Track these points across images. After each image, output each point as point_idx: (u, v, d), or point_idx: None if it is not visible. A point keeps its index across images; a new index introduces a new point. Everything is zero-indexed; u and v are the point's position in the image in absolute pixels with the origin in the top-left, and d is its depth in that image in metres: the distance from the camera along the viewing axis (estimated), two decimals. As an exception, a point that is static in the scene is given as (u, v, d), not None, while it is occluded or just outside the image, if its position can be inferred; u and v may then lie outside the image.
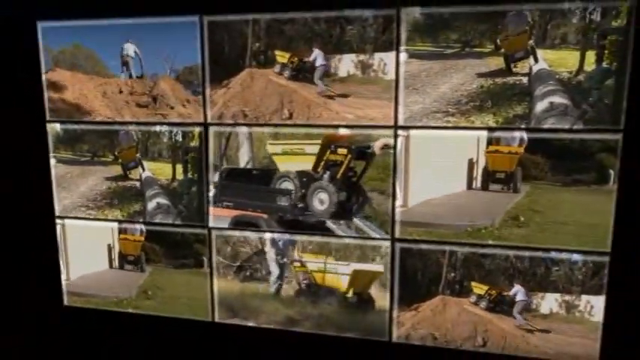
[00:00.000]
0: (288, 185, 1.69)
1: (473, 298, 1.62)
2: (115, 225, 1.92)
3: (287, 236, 1.75)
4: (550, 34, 1.44)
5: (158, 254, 1.89)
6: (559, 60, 1.45)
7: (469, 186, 1.56)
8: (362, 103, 1.60)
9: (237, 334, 1.85)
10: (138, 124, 1.81)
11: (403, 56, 1.54)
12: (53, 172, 1.94)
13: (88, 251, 1.99)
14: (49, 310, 2.06)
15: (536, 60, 1.45)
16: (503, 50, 1.47)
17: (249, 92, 1.67)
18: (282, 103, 1.65)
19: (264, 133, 1.69)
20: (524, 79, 1.47)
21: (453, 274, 1.62)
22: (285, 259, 1.76)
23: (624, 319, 1.51)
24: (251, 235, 1.78)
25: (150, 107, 1.78)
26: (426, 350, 1.68)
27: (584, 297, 1.54)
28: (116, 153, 1.86)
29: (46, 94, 1.87)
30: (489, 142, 1.53)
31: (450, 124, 1.54)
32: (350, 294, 1.73)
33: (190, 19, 1.68)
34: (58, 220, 1.98)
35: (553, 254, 1.53)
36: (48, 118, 1.90)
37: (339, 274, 1.73)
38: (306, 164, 1.68)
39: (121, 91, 1.80)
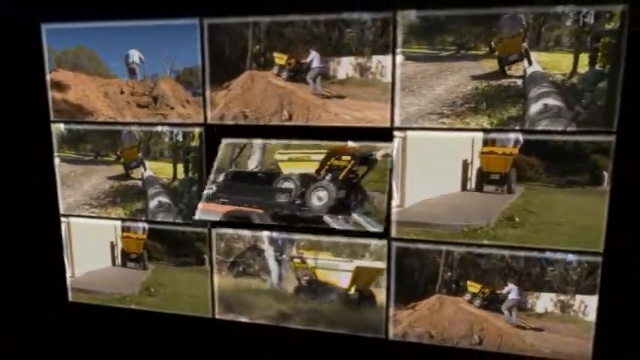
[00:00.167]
0: (289, 185, 1.70)
1: (467, 297, 1.63)
2: (118, 223, 1.94)
3: (284, 233, 1.76)
4: (544, 37, 1.45)
5: (160, 252, 1.91)
6: (553, 62, 1.46)
7: (463, 187, 1.58)
8: (360, 105, 1.61)
9: (236, 330, 1.87)
10: (140, 124, 1.82)
11: (399, 58, 1.55)
12: (57, 171, 1.96)
13: (92, 249, 2.01)
14: (53, 306, 2.09)
15: (530, 62, 1.46)
16: (497, 53, 1.48)
17: (249, 94, 1.70)
18: (282, 104, 1.67)
19: (277, 144, 1.71)
20: (519, 82, 1.48)
21: (449, 274, 1.64)
22: (283, 256, 1.77)
23: (617, 319, 1.52)
24: (245, 231, 1.80)
25: (150, 107, 1.80)
26: (423, 348, 1.70)
27: (579, 297, 1.55)
28: (118, 153, 1.88)
29: (50, 95, 1.89)
30: (485, 143, 1.53)
31: (445, 126, 1.55)
32: (352, 291, 1.74)
33: (190, 22, 1.70)
34: (62, 219, 2.00)
35: (547, 254, 1.55)
36: (52, 118, 1.92)
37: (340, 271, 1.74)
38: (310, 169, 1.70)
39: (122, 92, 1.82)
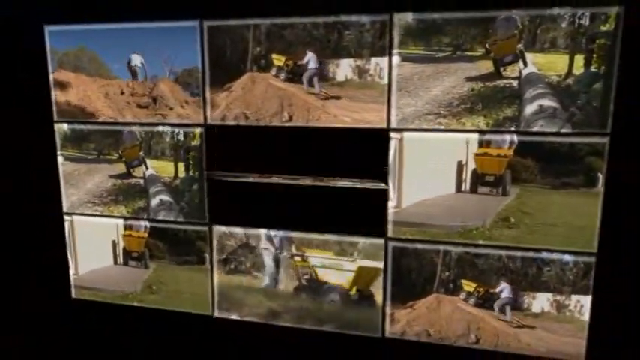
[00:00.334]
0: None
1: (463, 295, 1.64)
2: (120, 221, 1.96)
3: (284, 231, 1.78)
4: (539, 39, 1.45)
5: (162, 250, 1.93)
6: (548, 64, 1.46)
7: (458, 189, 1.59)
8: (360, 107, 1.62)
9: (236, 327, 1.89)
10: (142, 124, 1.84)
11: (396, 59, 1.56)
12: (61, 169, 1.99)
13: (95, 247, 2.04)
14: (57, 303, 2.11)
15: (525, 64, 1.47)
16: (492, 54, 1.49)
17: (250, 95, 1.71)
18: (282, 105, 1.69)
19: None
20: (514, 83, 1.49)
21: (446, 273, 1.65)
22: (282, 253, 1.79)
23: (610, 319, 1.53)
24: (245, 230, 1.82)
25: (150, 108, 1.82)
26: (419, 346, 1.72)
27: (573, 296, 1.56)
28: (120, 152, 1.90)
29: (53, 95, 1.92)
30: (479, 144, 1.54)
31: (441, 127, 1.56)
32: (353, 291, 1.75)
33: (190, 24, 1.72)
34: (66, 217, 2.02)
35: (542, 254, 1.56)
36: (55, 118, 1.95)
37: (343, 270, 1.75)
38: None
39: (122, 93, 1.84)
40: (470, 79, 1.52)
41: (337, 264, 1.76)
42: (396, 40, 1.55)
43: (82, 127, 1.92)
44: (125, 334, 2.06)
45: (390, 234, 1.67)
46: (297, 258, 1.79)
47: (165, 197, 1.88)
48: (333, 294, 1.77)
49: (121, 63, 1.82)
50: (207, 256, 1.89)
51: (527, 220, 1.54)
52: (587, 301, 1.54)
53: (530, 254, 1.57)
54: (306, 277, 1.79)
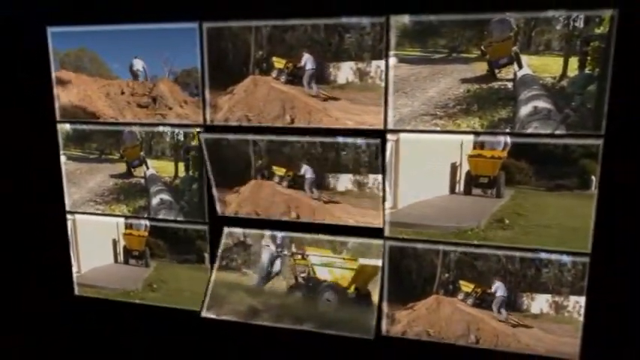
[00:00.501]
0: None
1: (461, 296, 1.66)
2: (121, 220, 1.98)
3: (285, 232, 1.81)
4: (534, 41, 1.46)
5: (162, 249, 1.95)
6: (543, 66, 1.47)
7: (452, 190, 1.60)
8: (360, 110, 1.64)
9: (234, 327, 1.90)
10: (142, 124, 1.86)
11: (393, 61, 1.57)
12: (63, 168, 2.01)
13: (96, 245, 2.06)
14: (60, 300, 2.14)
15: (520, 66, 1.47)
16: (487, 56, 1.50)
17: (252, 98, 1.73)
18: (284, 108, 1.71)
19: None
20: (509, 84, 1.50)
21: (443, 273, 1.66)
22: (281, 251, 1.81)
23: (604, 318, 1.54)
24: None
25: (150, 107, 1.85)
26: (415, 344, 1.73)
27: (569, 296, 1.57)
28: (121, 151, 1.91)
29: (55, 95, 1.94)
30: (474, 146, 1.56)
31: (437, 128, 1.57)
32: (351, 289, 1.77)
33: (190, 26, 1.74)
34: (69, 216, 2.04)
35: (538, 255, 1.57)
36: (58, 118, 1.97)
37: (342, 268, 1.77)
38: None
39: (122, 92, 1.86)
40: (465, 80, 1.53)
41: (336, 262, 1.76)
42: (393, 42, 1.56)
43: (84, 127, 1.93)
44: (126, 331, 2.08)
45: (386, 234, 1.67)
46: (298, 256, 1.79)
47: (166, 196, 1.89)
48: (329, 293, 1.78)
49: (121, 63, 1.85)
50: (206, 255, 1.90)
51: (522, 221, 1.55)
52: (581, 301, 1.55)
53: (525, 255, 1.58)
54: (303, 275, 1.80)
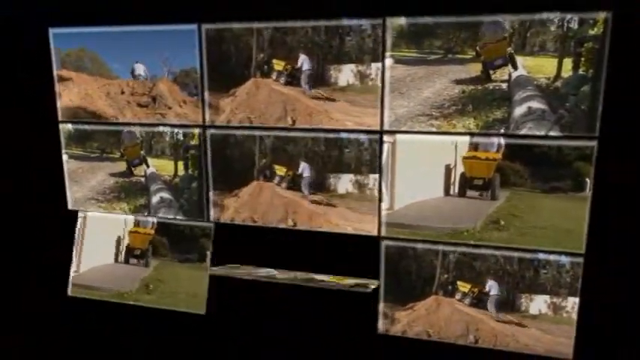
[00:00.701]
0: None
1: (458, 296, 1.66)
2: (130, 217, 2.01)
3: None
4: (529, 42, 1.47)
5: (165, 248, 1.97)
6: (537, 67, 1.48)
7: (446, 192, 1.61)
8: (360, 112, 1.65)
9: (231, 326, 1.92)
10: (142, 125, 1.89)
11: (389, 62, 1.58)
12: (65, 167, 2.03)
13: (101, 243, 2.09)
14: (53, 300, 2.16)
15: (515, 67, 1.48)
16: (482, 57, 1.51)
17: (254, 100, 1.75)
18: (286, 110, 1.72)
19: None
20: (504, 85, 1.51)
21: (440, 273, 1.68)
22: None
23: (598, 318, 1.56)
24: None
25: (149, 107, 1.87)
26: (410, 342, 1.75)
27: (564, 296, 1.58)
28: (122, 150, 1.93)
29: (57, 95, 1.97)
30: (469, 147, 1.57)
31: (433, 128, 1.58)
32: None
33: (189, 27, 1.76)
34: (80, 213, 2.07)
35: (532, 255, 1.58)
36: (60, 117, 1.99)
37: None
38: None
39: (122, 92, 1.89)
40: (460, 81, 1.54)
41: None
42: (389, 43, 1.57)
43: (86, 126, 1.95)
44: (124, 332, 2.09)
45: (383, 234, 1.70)
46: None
47: (166, 195, 1.91)
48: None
49: (121, 63, 1.87)
50: (208, 253, 1.92)
51: (517, 222, 1.57)
52: (575, 301, 1.55)
53: (521, 255, 1.59)
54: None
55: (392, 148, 1.63)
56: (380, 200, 1.67)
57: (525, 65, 1.48)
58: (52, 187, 2.06)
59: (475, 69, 1.52)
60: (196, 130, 1.82)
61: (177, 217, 1.93)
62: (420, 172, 1.63)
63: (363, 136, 1.66)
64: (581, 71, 1.45)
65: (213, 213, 1.87)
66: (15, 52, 1.97)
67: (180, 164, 1.89)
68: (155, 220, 1.96)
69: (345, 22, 1.60)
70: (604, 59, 1.42)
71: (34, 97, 1.99)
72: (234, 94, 1.76)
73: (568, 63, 1.45)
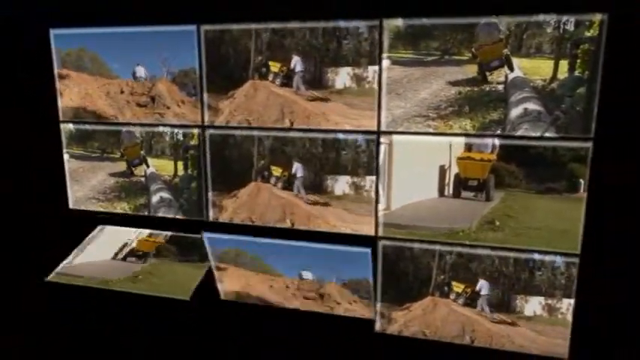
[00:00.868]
0: None
1: (453, 296, 1.67)
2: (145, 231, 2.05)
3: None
4: (525, 44, 1.47)
5: (171, 252, 1.99)
6: (534, 68, 1.48)
7: (441, 193, 1.62)
8: (358, 114, 1.66)
9: (229, 323, 1.94)
10: (143, 125, 1.90)
11: (386, 63, 1.59)
12: (67, 166, 2.05)
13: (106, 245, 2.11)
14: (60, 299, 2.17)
15: (511, 69, 1.49)
16: (479, 59, 1.51)
17: (252, 102, 1.76)
18: (284, 112, 1.73)
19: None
20: (500, 87, 1.51)
21: (440, 275, 1.68)
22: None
23: (593, 319, 1.56)
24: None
25: (149, 107, 1.88)
26: (406, 341, 1.75)
27: (559, 297, 1.58)
28: (122, 150, 1.95)
29: (58, 95, 1.98)
30: (465, 148, 1.57)
31: (430, 129, 1.58)
32: None
33: (188, 28, 1.77)
34: (100, 226, 2.09)
35: (527, 255, 1.58)
36: (60, 117, 2.00)
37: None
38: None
39: (122, 92, 1.90)
40: (457, 82, 1.54)
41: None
42: (386, 45, 1.57)
43: (87, 126, 1.97)
44: (121, 333, 2.11)
45: (380, 233, 1.70)
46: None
47: (166, 194, 1.92)
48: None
49: (120, 63, 1.88)
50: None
51: (512, 223, 1.57)
52: (570, 302, 1.56)
53: (515, 255, 1.60)
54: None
55: (389, 149, 1.63)
56: (377, 201, 1.67)
57: (521, 67, 1.49)
58: (52, 187, 2.06)
59: (472, 70, 1.53)
60: (196, 131, 1.82)
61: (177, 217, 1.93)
62: (416, 173, 1.63)
63: (360, 139, 1.66)
64: (576, 73, 1.45)
65: (212, 213, 1.86)
66: (15, 51, 1.98)
67: (180, 164, 1.89)
68: (168, 233, 1.96)
69: (342, 24, 1.61)
70: (599, 61, 1.42)
71: (35, 96, 2.00)
72: (232, 96, 1.76)
73: (564, 65, 1.46)
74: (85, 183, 2.04)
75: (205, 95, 1.78)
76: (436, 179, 1.62)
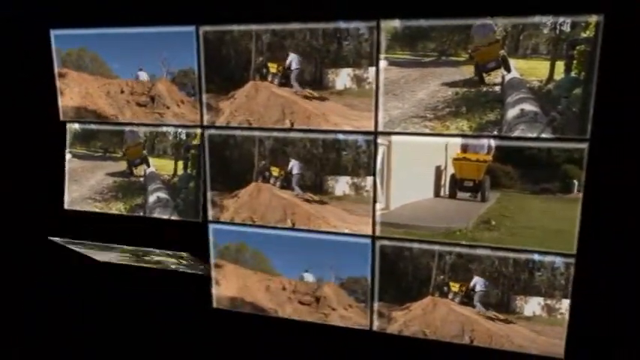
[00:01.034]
0: None
1: (450, 295, 1.67)
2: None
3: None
4: (522, 45, 1.48)
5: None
6: (530, 69, 1.49)
7: (437, 193, 1.63)
8: (358, 115, 1.67)
9: (227, 321, 1.95)
10: (142, 125, 1.91)
11: (383, 64, 1.59)
12: (67, 166, 2.06)
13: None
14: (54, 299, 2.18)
15: (508, 70, 1.49)
16: (475, 60, 1.52)
17: (253, 103, 1.76)
18: (284, 113, 1.74)
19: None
20: (497, 88, 1.52)
21: (437, 274, 1.69)
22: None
23: (588, 318, 1.57)
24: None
25: (148, 106, 1.89)
26: (403, 340, 1.76)
27: (555, 296, 1.59)
28: (124, 150, 1.96)
29: (59, 95, 1.99)
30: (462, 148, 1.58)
31: (427, 130, 1.59)
32: None
33: (187, 29, 1.78)
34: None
35: (523, 255, 1.59)
36: (61, 117, 2.01)
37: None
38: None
39: (122, 91, 1.91)
40: (454, 83, 1.55)
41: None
42: (383, 45, 1.58)
43: (92, 126, 1.98)
44: (121, 332, 2.12)
45: (377, 233, 1.71)
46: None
47: (163, 194, 1.93)
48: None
49: (120, 63, 1.89)
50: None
51: (508, 222, 1.57)
52: (566, 301, 1.56)
53: (511, 255, 1.60)
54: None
55: (388, 150, 1.63)
56: (374, 200, 1.67)
57: (518, 68, 1.49)
58: (51, 187, 2.07)
59: (469, 71, 1.53)
60: (199, 130, 1.83)
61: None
62: (413, 174, 1.64)
63: (360, 139, 1.66)
64: (573, 74, 1.45)
65: (212, 213, 1.86)
66: (15, 52, 1.99)
67: (180, 164, 1.90)
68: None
69: (339, 25, 1.62)
70: (596, 62, 1.43)
71: (35, 96, 2.01)
72: (233, 97, 1.77)
73: (560, 66, 1.46)
74: (84, 183, 2.05)
75: (205, 96, 1.79)
76: (431, 180, 1.62)
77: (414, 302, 1.74)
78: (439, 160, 1.61)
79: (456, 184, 1.60)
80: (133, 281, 2.09)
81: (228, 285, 1.93)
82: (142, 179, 1.96)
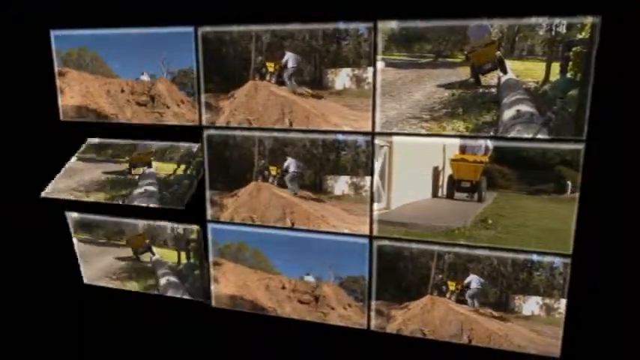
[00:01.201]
0: None
1: (448, 294, 1.68)
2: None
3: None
4: (518, 46, 1.48)
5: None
6: (526, 70, 1.49)
7: (434, 194, 1.64)
8: (357, 115, 1.67)
9: (225, 320, 1.96)
10: (143, 125, 1.93)
11: (380, 65, 1.60)
12: (67, 166, 2.07)
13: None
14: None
15: (504, 71, 1.50)
16: (471, 62, 1.53)
17: (253, 102, 1.77)
18: (283, 112, 1.74)
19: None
20: (493, 89, 1.53)
21: (440, 276, 1.70)
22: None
23: (585, 318, 1.57)
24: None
25: (148, 106, 1.90)
26: (401, 339, 1.77)
27: (552, 295, 1.59)
28: (133, 156, 2.01)
29: (59, 94, 2.01)
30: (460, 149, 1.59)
31: (423, 131, 1.60)
32: None
33: (186, 30, 1.79)
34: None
35: (520, 255, 1.59)
36: (62, 117, 2.03)
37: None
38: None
39: (122, 91, 1.92)
40: (451, 84, 1.56)
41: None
42: (380, 46, 1.59)
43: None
44: (122, 331, 2.13)
45: (375, 233, 1.71)
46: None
47: (152, 188, 1.95)
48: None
49: (120, 63, 1.91)
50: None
51: (504, 221, 1.58)
52: (562, 300, 1.57)
53: (508, 254, 1.61)
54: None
55: (389, 151, 1.64)
56: (372, 200, 1.68)
57: (514, 69, 1.50)
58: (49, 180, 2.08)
59: (465, 72, 1.54)
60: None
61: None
62: (413, 174, 1.65)
63: (360, 139, 1.66)
64: (569, 75, 1.46)
65: (212, 212, 1.87)
66: (15, 51, 2.01)
67: (182, 165, 1.92)
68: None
69: (336, 25, 1.62)
70: (591, 63, 1.43)
71: (35, 96, 2.03)
72: (233, 96, 1.78)
73: (556, 67, 1.47)
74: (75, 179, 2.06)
75: (204, 95, 1.80)
76: (429, 180, 1.63)
77: (413, 301, 1.74)
78: (437, 161, 1.62)
79: (454, 184, 1.61)
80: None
81: (228, 283, 1.94)
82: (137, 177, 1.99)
